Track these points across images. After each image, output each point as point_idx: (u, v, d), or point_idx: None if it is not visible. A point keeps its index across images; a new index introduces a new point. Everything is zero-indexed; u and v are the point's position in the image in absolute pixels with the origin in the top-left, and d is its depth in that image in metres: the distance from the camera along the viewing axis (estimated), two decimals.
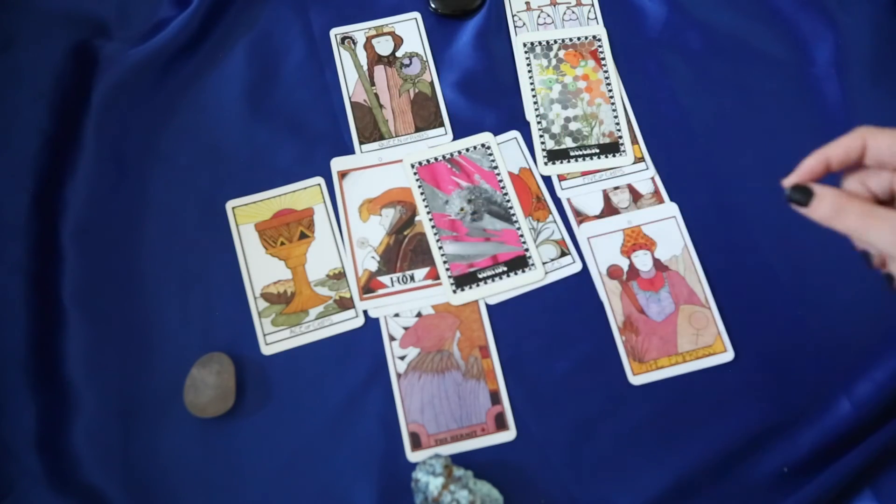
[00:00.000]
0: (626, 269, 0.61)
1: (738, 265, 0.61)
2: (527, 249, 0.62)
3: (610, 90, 0.68)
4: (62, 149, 0.64)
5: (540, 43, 0.70)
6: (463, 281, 0.61)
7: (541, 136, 0.66)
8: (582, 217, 0.64)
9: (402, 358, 0.59)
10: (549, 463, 0.56)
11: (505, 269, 0.61)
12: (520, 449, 0.56)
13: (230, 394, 0.56)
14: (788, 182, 0.43)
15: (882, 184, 0.42)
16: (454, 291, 0.61)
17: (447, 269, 0.61)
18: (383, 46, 0.70)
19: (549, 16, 0.71)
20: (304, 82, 0.69)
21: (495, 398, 0.58)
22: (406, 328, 0.60)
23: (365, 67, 0.70)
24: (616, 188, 0.65)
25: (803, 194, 0.41)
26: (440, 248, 0.62)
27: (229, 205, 0.64)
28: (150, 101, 0.67)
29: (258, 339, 0.60)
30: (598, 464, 0.56)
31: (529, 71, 0.69)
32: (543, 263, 0.62)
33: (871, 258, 0.44)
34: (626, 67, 0.69)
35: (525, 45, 0.70)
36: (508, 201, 0.64)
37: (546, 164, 0.65)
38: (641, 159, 0.65)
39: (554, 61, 0.69)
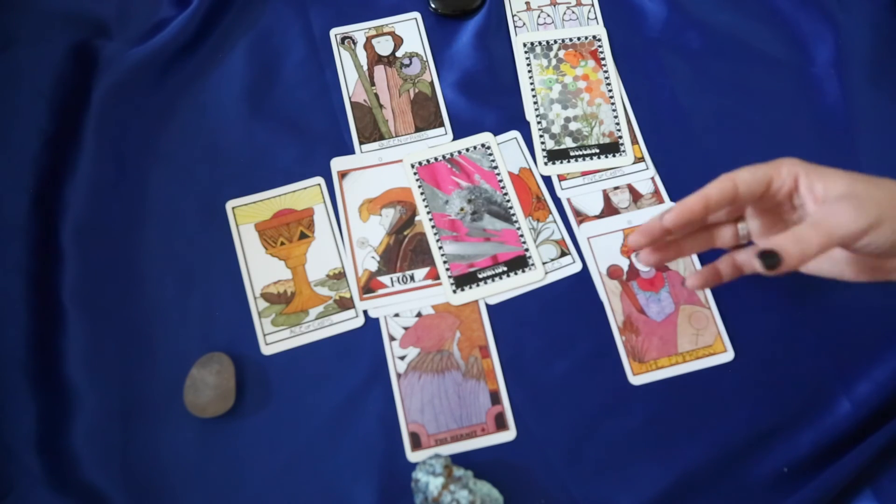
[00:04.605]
0: (626, 269, 0.61)
1: None
2: (527, 249, 0.62)
3: (610, 90, 0.68)
4: (62, 149, 0.64)
5: (540, 43, 0.70)
6: (463, 281, 0.61)
7: (541, 136, 0.66)
8: (582, 217, 0.63)
9: (402, 358, 0.59)
10: (549, 463, 0.56)
11: (505, 269, 0.61)
12: (520, 449, 0.56)
13: (230, 394, 0.56)
14: (667, 219, 0.46)
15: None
16: (454, 291, 0.61)
17: (447, 269, 0.61)
18: (383, 46, 0.70)
19: (549, 16, 0.71)
20: (304, 82, 0.69)
21: (495, 398, 0.58)
22: (406, 328, 0.60)
23: (365, 67, 0.69)
24: (616, 188, 0.65)
25: (772, 257, 0.41)
26: (440, 248, 0.62)
27: (229, 205, 0.64)
28: (150, 101, 0.67)
29: (258, 339, 0.60)
30: (598, 464, 0.55)
31: (529, 71, 0.69)
32: (543, 263, 0.62)
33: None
34: (626, 67, 0.69)
35: (525, 45, 0.70)
36: (508, 201, 0.64)
37: (546, 164, 0.65)
38: (641, 159, 0.65)
39: (554, 61, 0.69)
